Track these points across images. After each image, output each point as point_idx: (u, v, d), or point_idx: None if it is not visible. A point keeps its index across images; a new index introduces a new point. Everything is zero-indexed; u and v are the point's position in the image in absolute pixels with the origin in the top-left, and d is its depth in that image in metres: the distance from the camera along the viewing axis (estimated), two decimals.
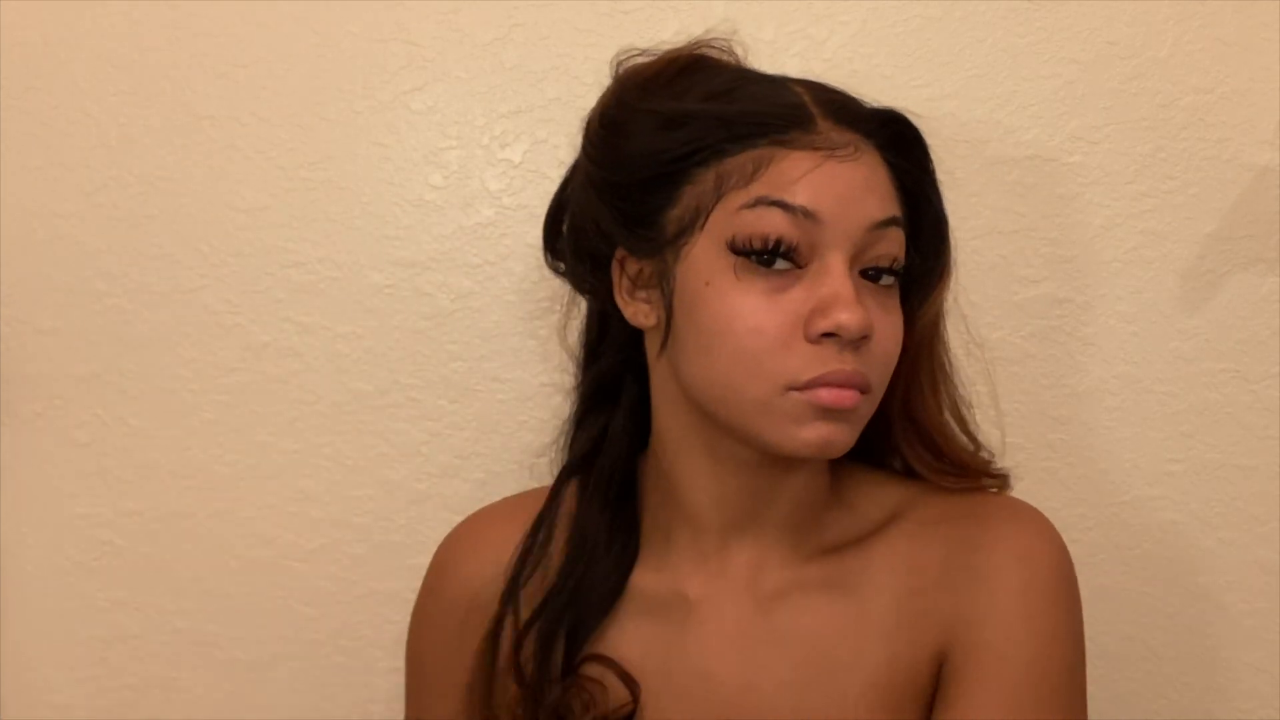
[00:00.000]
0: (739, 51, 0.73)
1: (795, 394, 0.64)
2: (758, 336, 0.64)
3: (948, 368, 0.74)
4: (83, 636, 0.93)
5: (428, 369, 0.92)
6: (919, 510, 0.73)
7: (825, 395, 0.64)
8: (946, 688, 0.69)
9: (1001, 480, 0.75)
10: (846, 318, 0.63)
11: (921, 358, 0.71)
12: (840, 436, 0.65)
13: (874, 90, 0.90)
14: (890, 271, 0.67)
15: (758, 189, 0.64)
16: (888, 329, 0.66)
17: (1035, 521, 0.72)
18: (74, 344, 0.91)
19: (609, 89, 0.71)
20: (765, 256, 0.64)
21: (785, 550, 0.73)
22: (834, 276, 0.64)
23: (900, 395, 0.71)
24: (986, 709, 0.67)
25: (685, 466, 0.72)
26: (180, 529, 0.93)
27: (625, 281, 0.71)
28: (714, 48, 0.72)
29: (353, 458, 0.92)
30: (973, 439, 0.75)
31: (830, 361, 0.64)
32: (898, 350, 0.68)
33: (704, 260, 0.66)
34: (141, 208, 0.91)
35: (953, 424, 0.74)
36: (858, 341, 0.64)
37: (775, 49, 0.90)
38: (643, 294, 0.70)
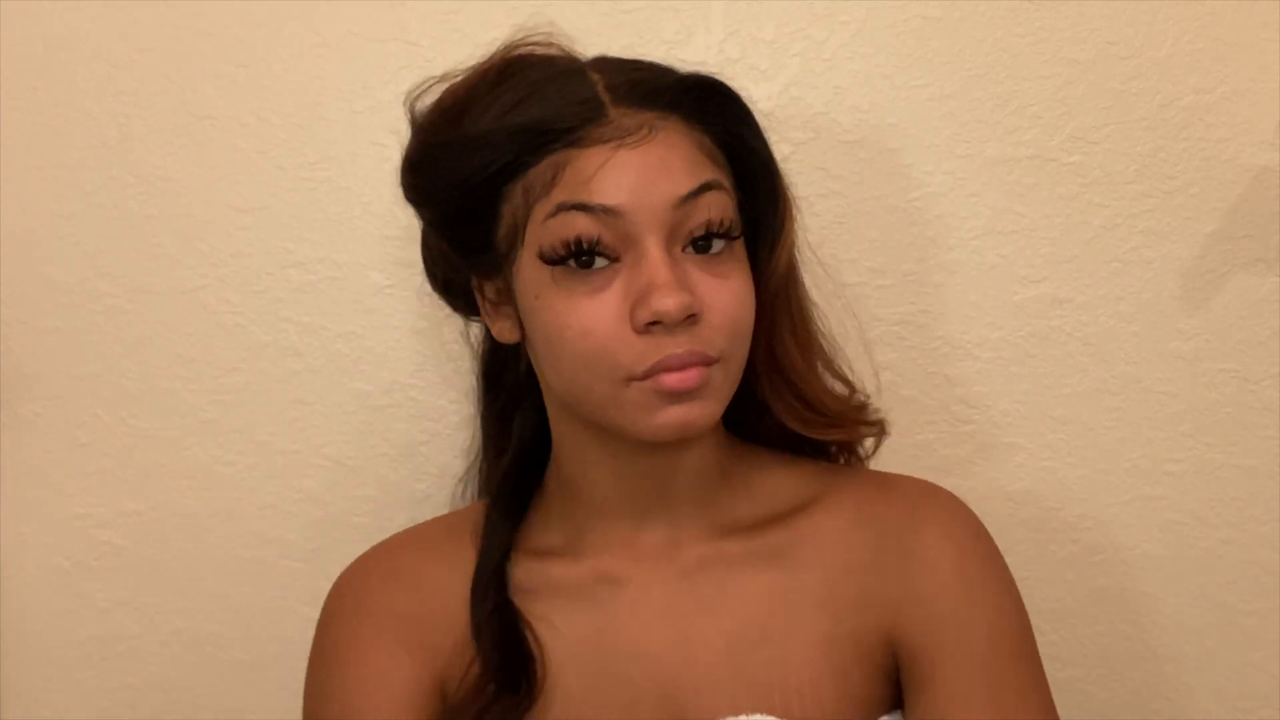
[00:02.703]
0: (561, 40, 0.73)
1: (638, 383, 0.65)
2: (588, 338, 0.65)
3: (809, 314, 0.74)
4: (83, 636, 0.93)
5: (428, 369, 0.92)
6: (835, 492, 0.75)
7: (667, 380, 0.65)
8: (916, 668, 0.71)
9: (878, 427, 0.77)
10: (663, 304, 0.63)
11: (780, 307, 0.71)
12: (697, 414, 0.66)
13: (874, 90, 0.90)
14: (718, 235, 0.66)
15: (558, 195, 0.64)
16: (724, 295, 0.66)
17: (950, 501, 0.76)
18: (74, 344, 0.91)
19: (412, 132, 0.71)
20: (579, 260, 0.65)
21: (699, 527, 0.74)
22: (648, 263, 0.64)
23: (764, 347, 0.72)
24: (960, 682, 0.70)
25: (581, 462, 0.73)
26: (180, 529, 0.93)
27: (487, 303, 0.73)
28: (530, 45, 0.72)
29: (353, 458, 0.92)
30: (845, 382, 0.76)
31: (665, 347, 0.64)
32: (745, 311, 0.68)
33: (529, 274, 0.67)
34: (141, 208, 0.91)
35: (821, 371, 0.74)
36: (690, 319, 0.64)
37: (775, 49, 0.90)
38: (504, 310, 0.72)
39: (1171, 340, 0.92)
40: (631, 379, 0.65)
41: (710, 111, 0.68)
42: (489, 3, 0.90)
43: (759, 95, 0.89)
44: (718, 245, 0.66)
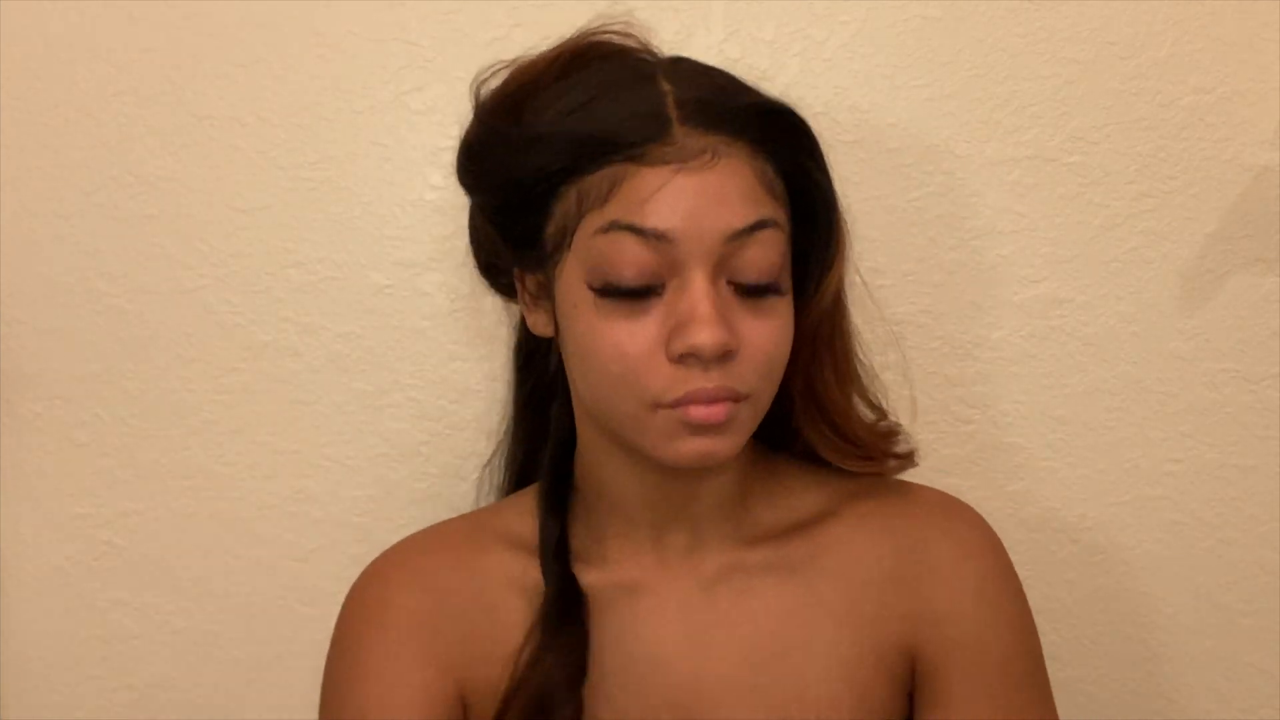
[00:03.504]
0: (638, 32, 0.72)
1: (665, 410, 0.64)
2: (621, 360, 0.64)
3: (850, 346, 0.73)
4: (83, 636, 0.93)
5: (428, 369, 0.92)
6: (856, 503, 0.75)
7: (694, 412, 0.64)
8: (929, 685, 0.72)
9: (909, 459, 0.75)
10: (701, 339, 0.62)
11: (821, 340, 0.71)
12: (719, 447, 0.65)
13: (874, 90, 0.90)
14: (768, 289, 0.65)
15: (612, 210, 0.63)
16: (762, 335, 0.65)
17: (971, 517, 0.76)
18: (74, 344, 0.91)
19: (474, 115, 0.70)
20: (622, 295, 0.64)
21: (721, 536, 0.74)
22: (691, 294, 0.63)
23: (802, 377, 0.71)
24: (969, 705, 0.71)
25: (605, 466, 0.73)
26: (180, 529, 0.93)
27: (526, 294, 0.72)
28: (608, 33, 0.70)
29: (353, 458, 0.92)
30: (880, 412, 0.75)
31: (695, 380, 0.63)
32: (782, 351, 0.67)
33: (571, 282, 0.66)
34: (141, 208, 0.91)
35: (857, 403, 0.74)
36: (725, 355, 0.63)
37: (775, 49, 0.90)
38: (542, 304, 0.71)
39: (1171, 340, 0.92)
40: (659, 405, 0.64)
41: (778, 140, 0.66)
42: (489, 3, 0.90)
43: None
44: (766, 297, 0.65)
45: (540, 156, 0.64)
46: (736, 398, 0.64)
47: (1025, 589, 0.76)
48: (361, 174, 0.91)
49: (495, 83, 0.69)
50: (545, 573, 0.73)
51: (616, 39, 0.70)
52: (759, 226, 0.64)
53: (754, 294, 0.65)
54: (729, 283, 0.64)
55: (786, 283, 0.66)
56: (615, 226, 0.62)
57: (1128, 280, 0.92)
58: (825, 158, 0.68)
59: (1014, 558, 0.77)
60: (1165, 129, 0.90)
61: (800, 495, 0.75)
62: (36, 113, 0.90)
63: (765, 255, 0.64)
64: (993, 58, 0.90)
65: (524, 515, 0.76)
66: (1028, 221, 0.91)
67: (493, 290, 0.79)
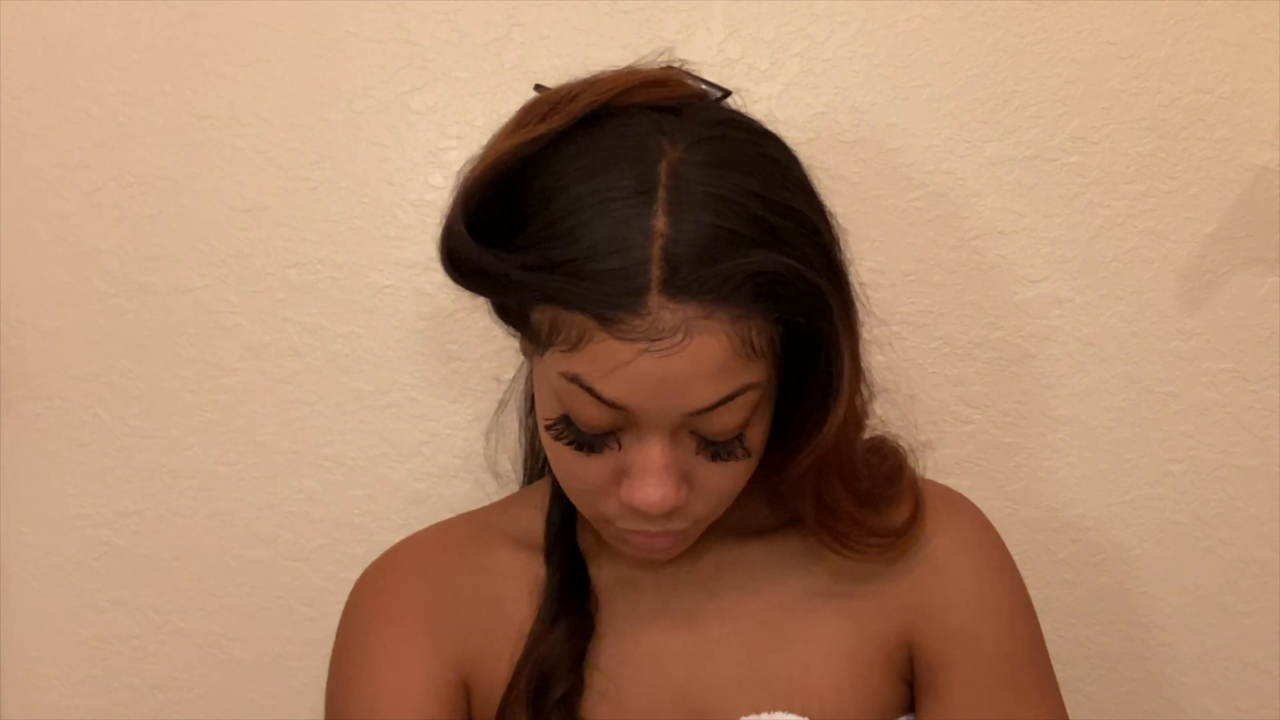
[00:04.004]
0: (668, 78, 0.64)
1: (615, 525, 0.66)
2: (577, 481, 0.65)
3: (860, 460, 0.69)
4: (83, 636, 0.93)
5: (428, 369, 0.92)
6: None
7: (638, 540, 0.66)
8: (929, 676, 0.72)
9: (914, 527, 0.73)
10: (647, 501, 0.62)
11: (828, 466, 0.67)
12: (665, 556, 0.68)
13: (874, 90, 0.90)
14: (731, 448, 0.63)
15: (576, 363, 0.60)
16: (719, 478, 0.64)
17: (968, 509, 0.76)
18: (74, 344, 0.91)
19: (453, 201, 0.62)
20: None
21: (719, 532, 0.74)
22: (644, 455, 0.62)
23: (811, 494, 0.68)
24: (970, 696, 0.71)
25: None
26: (180, 529, 0.93)
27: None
28: (635, 82, 0.63)
29: (353, 458, 0.92)
30: (886, 477, 0.73)
31: (640, 522, 0.65)
32: (737, 485, 0.66)
33: (542, 386, 0.64)
34: (141, 208, 0.91)
35: (869, 510, 0.71)
36: (670, 512, 0.64)
37: (775, 49, 0.90)
38: (528, 347, 0.69)
39: (1171, 340, 0.92)
40: (611, 521, 0.66)
41: (773, 299, 0.59)
42: (489, 3, 0.90)
43: (759, 95, 0.89)
44: (731, 447, 0.63)
45: (516, 289, 0.61)
46: (685, 529, 0.66)
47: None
48: (361, 174, 0.91)
49: (481, 166, 0.61)
50: (549, 551, 0.74)
51: (640, 93, 0.62)
52: (728, 398, 0.60)
53: (715, 446, 0.63)
54: (690, 434, 0.62)
55: (756, 426, 0.64)
56: (577, 381, 0.60)
57: (1128, 280, 0.92)
58: (833, 304, 0.61)
59: (1014, 557, 0.76)
60: (1165, 129, 0.90)
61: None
62: (36, 113, 0.90)
63: (733, 416, 0.61)
64: (993, 58, 0.90)
65: (529, 512, 0.77)
66: (1028, 221, 0.91)
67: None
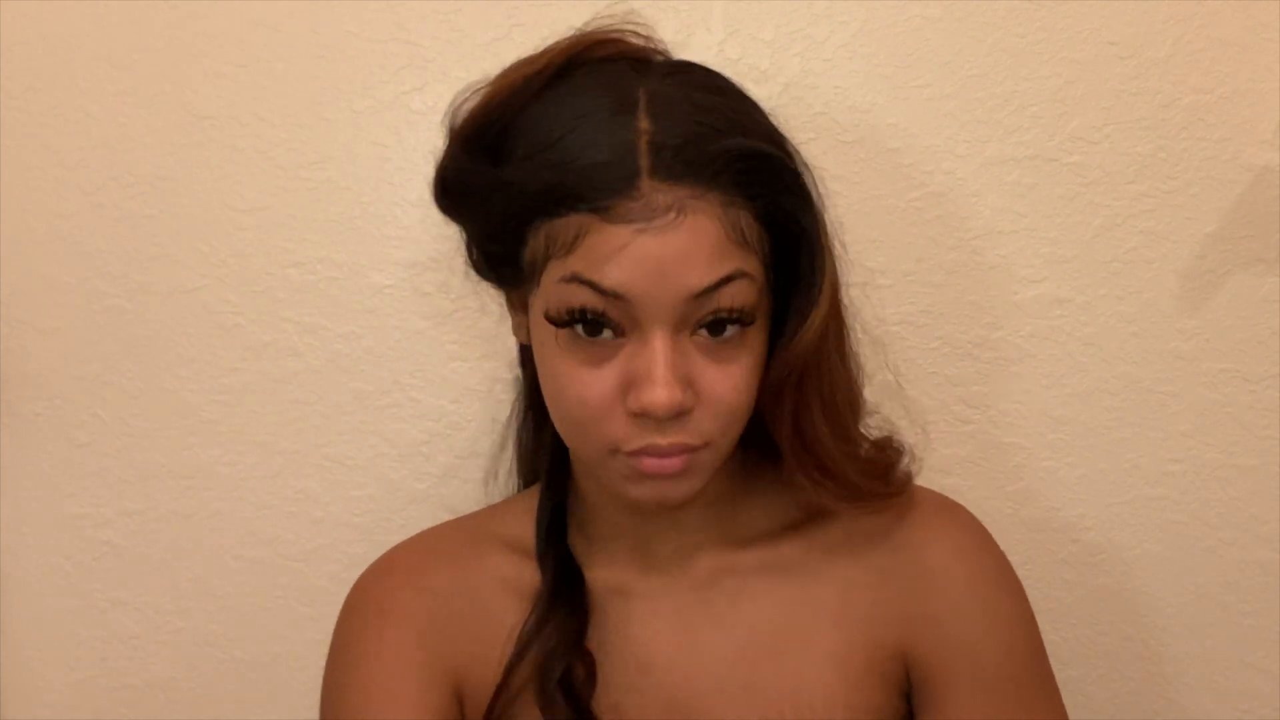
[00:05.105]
0: (635, 29, 0.68)
1: (623, 456, 0.64)
2: (581, 406, 0.64)
3: (841, 384, 0.69)
4: (83, 636, 0.93)
5: (428, 369, 0.92)
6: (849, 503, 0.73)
7: (648, 464, 0.64)
8: (927, 687, 0.72)
9: (900, 487, 0.73)
10: (652, 400, 0.61)
11: (809, 383, 0.67)
12: (676, 491, 0.66)
13: (874, 90, 0.90)
14: (731, 321, 0.63)
15: (574, 262, 0.61)
16: (723, 384, 0.64)
17: (965, 517, 0.75)
18: (74, 344, 0.91)
19: (446, 142, 0.67)
20: (585, 326, 0.62)
21: (711, 539, 0.74)
22: (647, 352, 0.62)
23: (789, 424, 0.68)
24: (969, 705, 0.70)
25: (589, 485, 0.74)
26: (180, 529, 0.93)
27: (511, 301, 0.72)
28: (605, 35, 0.67)
29: (353, 458, 0.92)
30: (878, 446, 0.73)
31: (649, 434, 0.63)
32: (744, 398, 0.65)
33: (537, 320, 0.65)
34: (141, 208, 0.91)
35: (848, 446, 0.70)
36: (678, 414, 0.63)
37: (775, 49, 0.90)
38: (520, 317, 0.71)
39: (1171, 340, 0.92)
40: (617, 451, 0.64)
41: (755, 186, 0.63)
42: (489, 3, 0.90)
43: (759, 95, 0.89)
44: (730, 330, 0.63)
45: (508, 202, 0.63)
46: (693, 450, 0.64)
47: (1025, 589, 0.76)
48: (361, 174, 0.91)
49: (473, 103, 0.66)
50: (541, 554, 0.74)
51: (615, 37, 0.68)
52: (724, 281, 0.62)
53: (717, 331, 0.63)
54: (692, 331, 0.63)
55: (753, 318, 0.64)
56: (576, 279, 0.61)
57: (1128, 280, 0.92)
58: (813, 194, 0.65)
59: (1014, 558, 0.76)
60: (1165, 129, 0.90)
61: (792, 497, 0.75)
62: (36, 113, 0.90)
63: (731, 300, 0.62)
64: (993, 58, 0.90)
65: (521, 518, 0.77)
66: (1028, 221, 0.91)
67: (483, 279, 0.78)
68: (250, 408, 0.92)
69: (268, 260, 0.91)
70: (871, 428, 0.73)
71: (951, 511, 0.75)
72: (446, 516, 0.83)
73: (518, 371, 0.84)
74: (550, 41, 0.71)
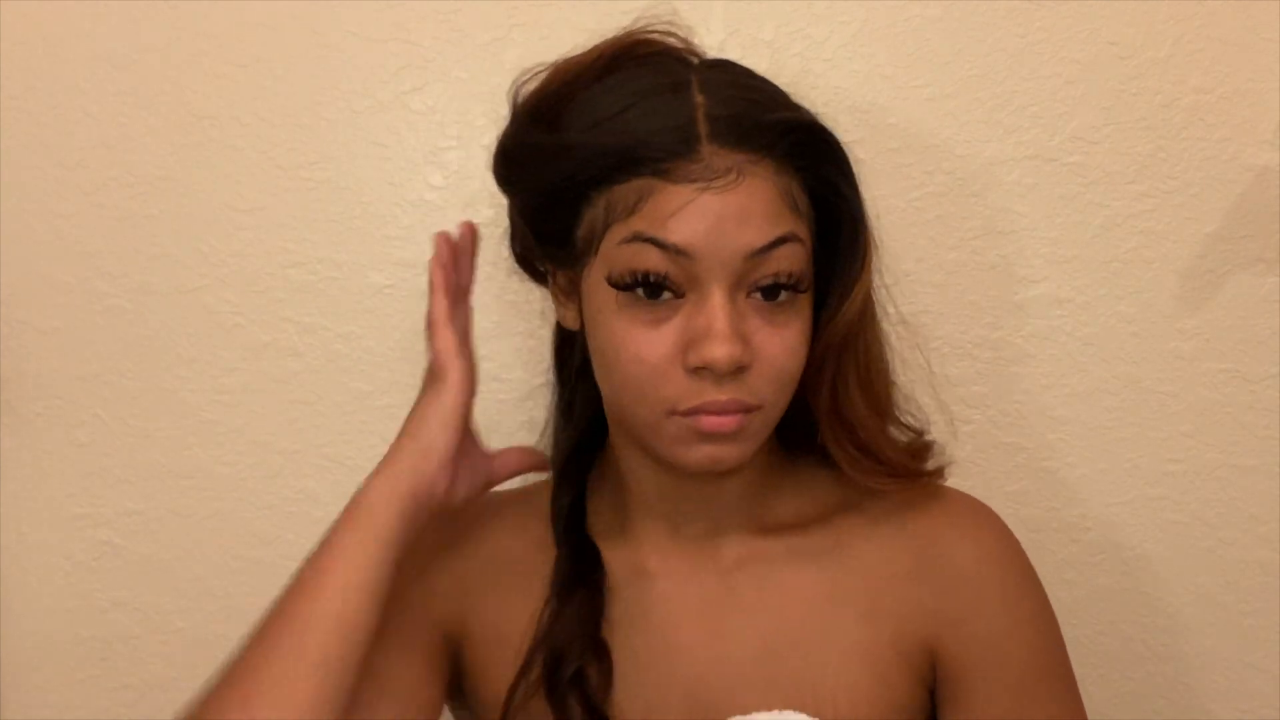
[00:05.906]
0: (680, 30, 0.72)
1: (679, 417, 0.66)
2: (639, 365, 0.66)
3: (878, 363, 0.72)
4: (83, 636, 0.93)
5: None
6: (880, 498, 0.74)
7: (705, 422, 0.66)
8: (952, 683, 0.72)
9: (936, 475, 0.75)
10: (715, 354, 0.63)
11: (847, 356, 0.70)
12: (729, 454, 0.67)
13: (874, 90, 0.90)
14: (786, 287, 0.66)
15: (636, 223, 0.64)
16: (777, 345, 0.66)
17: (991, 519, 0.76)
18: (74, 344, 0.91)
19: (510, 118, 0.71)
20: (647, 289, 0.65)
21: (741, 525, 0.75)
22: (708, 308, 0.64)
23: (827, 395, 0.71)
24: (992, 705, 0.71)
25: (627, 458, 0.75)
26: (180, 529, 0.93)
27: (557, 288, 0.73)
28: (650, 33, 0.71)
29: (353, 458, 0.92)
30: (912, 430, 0.75)
31: (707, 391, 0.65)
32: (795, 361, 0.67)
33: (596, 285, 0.67)
34: (141, 208, 0.91)
35: (883, 421, 0.73)
36: (736, 370, 0.65)
37: (775, 49, 0.90)
38: (571, 300, 0.72)
39: (1171, 340, 0.92)
40: (673, 412, 0.66)
41: (804, 157, 0.67)
42: (489, 3, 0.90)
43: None
44: (783, 295, 0.66)
45: (572, 166, 0.66)
46: (748, 409, 0.66)
47: None
48: (361, 174, 0.91)
49: (534, 84, 0.70)
50: (559, 533, 0.76)
51: (658, 38, 0.71)
52: (779, 242, 0.65)
53: (771, 296, 0.66)
54: (747, 294, 0.65)
55: (805, 286, 0.67)
56: (639, 238, 0.64)
57: (1128, 280, 0.92)
58: (855, 171, 0.69)
59: None
60: (1165, 129, 0.90)
61: (822, 487, 0.76)
62: (36, 113, 0.90)
63: (785, 264, 0.65)
64: (993, 58, 0.90)
65: (547, 499, 0.79)
66: (1028, 221, 0.91)
67: (528, 278, 0.80)
68: (250, 408, 0.92)
69: (268, 260, 0.91)
70: (905, 412, 0.75)
71: (982, 513, 0.76)
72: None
73: (529, 368, 0.84)
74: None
